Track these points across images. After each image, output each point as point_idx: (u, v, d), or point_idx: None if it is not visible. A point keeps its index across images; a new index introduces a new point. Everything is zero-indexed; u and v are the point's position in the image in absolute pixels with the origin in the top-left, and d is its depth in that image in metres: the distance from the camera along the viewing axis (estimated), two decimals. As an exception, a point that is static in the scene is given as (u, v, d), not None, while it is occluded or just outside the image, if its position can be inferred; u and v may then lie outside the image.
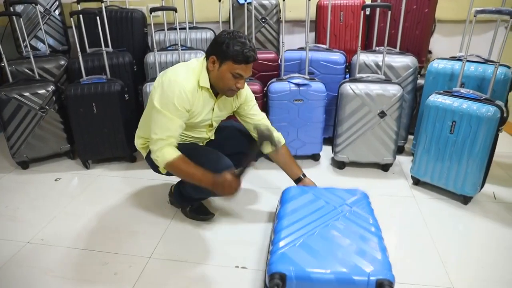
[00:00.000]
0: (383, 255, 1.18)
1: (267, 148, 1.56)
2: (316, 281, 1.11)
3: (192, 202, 1.83)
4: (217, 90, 1.62)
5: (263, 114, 1.83)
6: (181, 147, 1.65)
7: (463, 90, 1.88)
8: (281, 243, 1.25)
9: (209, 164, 1.56)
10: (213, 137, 1.85)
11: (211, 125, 1.75)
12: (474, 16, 1.78)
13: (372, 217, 1.39)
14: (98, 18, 2.24)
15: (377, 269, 1.12)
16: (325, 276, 1.11)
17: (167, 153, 1.52)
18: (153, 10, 2.19)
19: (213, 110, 1.68)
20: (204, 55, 1.61)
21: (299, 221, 1.37)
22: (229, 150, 1.82)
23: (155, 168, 1.78)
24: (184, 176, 1.59)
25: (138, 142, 1.79)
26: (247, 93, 1.76)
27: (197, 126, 1.70)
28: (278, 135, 1.81)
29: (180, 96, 1.51)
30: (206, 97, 1.63)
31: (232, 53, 1.48)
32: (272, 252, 1.23)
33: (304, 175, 1.77)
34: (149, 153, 1.74)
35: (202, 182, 1.50)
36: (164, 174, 1.76)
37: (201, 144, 1.83)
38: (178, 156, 1.52)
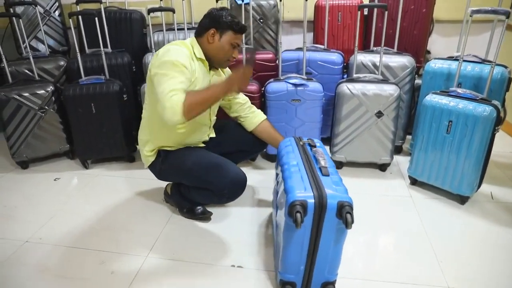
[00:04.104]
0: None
1: None
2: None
3: (193, 204, 1.84)
4: (215, 61, 1.67)
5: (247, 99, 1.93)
6: (185, 153, 1.70)
7: (459, 90, 1.88)
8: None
9: (219, 177, 1.61)
10: (213, 134, 1.87)
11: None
12: (470, 16, 1.79)
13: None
14: (96, 19, 2.26)
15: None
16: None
17: (176, 99, 1.40)
18: (151, 10, 2.21)
19: (209, 83, 1.69)
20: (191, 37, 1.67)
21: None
22: (230, 148, 1.84)
23: (160, 176, 1.81)
24: (205, 102, 1.48)
25: (144, 150, 1.74)
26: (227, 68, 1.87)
27: None
28: (258, 112, 1.89)
29: (177, 54, 1.50)
30: (203, 69, 1.66)
31: (231, 23, 1.59)
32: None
33: None
34: (152, 163, 1.75)
35: (220, 93, 1.50)
36: (163, 180, 1.84)
37: (202, 144, 1.84)
38: (185, 95, 1.44)
